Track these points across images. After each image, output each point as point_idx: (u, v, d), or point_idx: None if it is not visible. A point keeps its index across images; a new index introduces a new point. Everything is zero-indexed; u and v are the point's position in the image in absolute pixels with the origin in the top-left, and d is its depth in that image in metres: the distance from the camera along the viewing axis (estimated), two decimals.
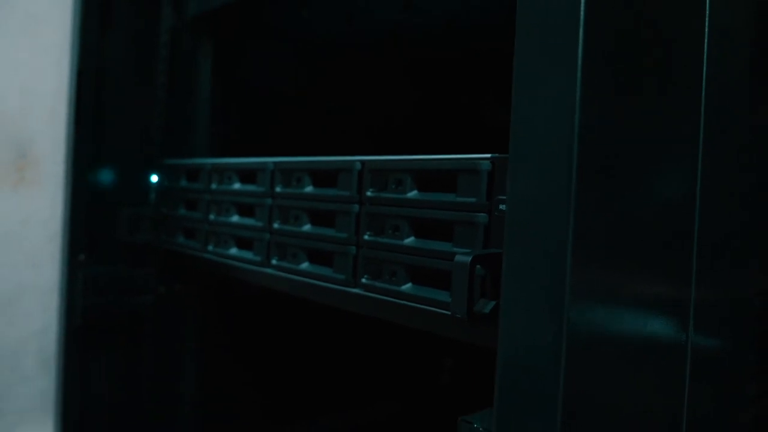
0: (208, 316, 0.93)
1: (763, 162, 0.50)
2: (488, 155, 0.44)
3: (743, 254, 0.48)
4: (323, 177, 0.59)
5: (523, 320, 0.36)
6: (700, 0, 0.43)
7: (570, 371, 0.34)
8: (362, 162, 0.54)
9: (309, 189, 0.61)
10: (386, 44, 1.01)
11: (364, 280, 0.53)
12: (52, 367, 0.87)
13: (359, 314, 0.55)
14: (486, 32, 0.87)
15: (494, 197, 0.43)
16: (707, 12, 0.43)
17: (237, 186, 0.71)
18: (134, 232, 0.85)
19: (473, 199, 0.44)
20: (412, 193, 0.50)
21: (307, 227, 0.60)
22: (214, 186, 0.74)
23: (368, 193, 0.53)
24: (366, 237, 0.53)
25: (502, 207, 0.41)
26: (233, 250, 0.70)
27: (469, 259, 0.40)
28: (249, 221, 0.68)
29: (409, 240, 0.50)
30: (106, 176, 0.86)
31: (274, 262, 0.64)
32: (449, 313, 0.43)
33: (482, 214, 0.44)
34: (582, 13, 0.34)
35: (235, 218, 0.71)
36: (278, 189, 0.64)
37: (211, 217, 0.74)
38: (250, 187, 0.68)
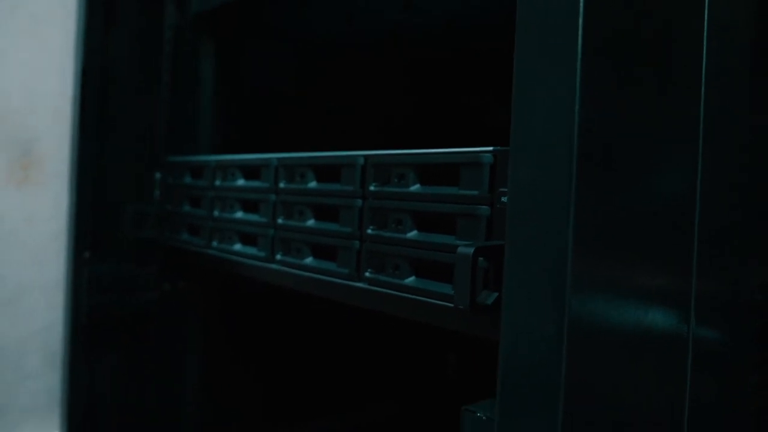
0: (212, 313, 0.93)
1: (764, 154, 0.50)
2: (490, 148, 0.44)
3: (744, 246, 0.49)
4: (326, 172, 0.60)
5: (525, 311, 0.36)
6: None
7: (571, 361, 0.34)
8: (365, 157, 0.55)
9: (312, 184, 0.61)
10: (386, 44, 1.02)
11: (367, 274, 0.53)
12: (58, 365, 0.87)
13: (362, 310, 0.55)
14: (486, 32, 0.87)
15: (496, 190, 0.43)
16: (706, 7, 0.43)
17: (241, 182, 0.71)
18: (138, 229, 0.86)
19: (475, 192, 0.44)
20: (415, 187, 0.50)
21: (311, 222, 0.61)
22: (218, 183, 0.75)
23: (371, 188, 0.54)
24: (369, 231, 0.53)
25: (504, 199, 0.42)
26: (237, 246, 0.71)
27: (471, 250, 0.40)
28: (253, 217, 0.68)
29: (412, 233, 0.50)
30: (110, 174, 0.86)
31: (278, 257, 0.64)
32: (452, 305, 0.44)
33: (484, 206, 0.44)
34: (581, 9, 0.34)
35: (239, 214, 0.71)
36: (282, 185, 0.64)
37: (216, 213, 0.75)
38: (254, 183, 0.69)
